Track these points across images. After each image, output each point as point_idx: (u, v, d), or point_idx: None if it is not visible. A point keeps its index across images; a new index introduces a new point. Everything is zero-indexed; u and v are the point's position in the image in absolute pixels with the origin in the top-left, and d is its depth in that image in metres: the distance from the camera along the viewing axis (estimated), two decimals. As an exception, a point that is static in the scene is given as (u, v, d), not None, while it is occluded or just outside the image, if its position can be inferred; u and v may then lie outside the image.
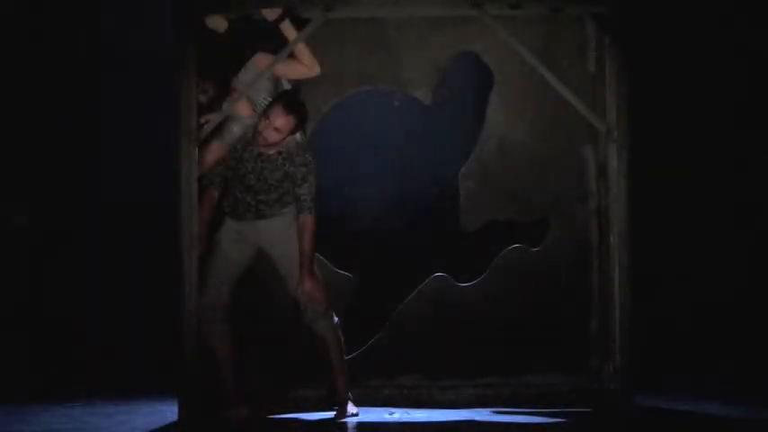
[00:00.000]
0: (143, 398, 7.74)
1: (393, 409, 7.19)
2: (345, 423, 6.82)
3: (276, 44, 6.88)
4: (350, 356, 7.30)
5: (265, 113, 6.83)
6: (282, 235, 6.98)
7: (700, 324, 8.36)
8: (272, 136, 6.81)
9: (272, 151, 6.93)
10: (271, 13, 6.85)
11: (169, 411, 6.98)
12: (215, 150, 6.96)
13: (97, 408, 7.38)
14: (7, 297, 8.68)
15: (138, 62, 8.81)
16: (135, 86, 8.80)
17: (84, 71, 8.84)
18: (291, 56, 6.97)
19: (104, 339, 8.71)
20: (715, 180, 8.48)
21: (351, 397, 7.08)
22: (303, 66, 6.98)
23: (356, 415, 6.97)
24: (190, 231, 6.68)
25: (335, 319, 7.00)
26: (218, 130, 6.94)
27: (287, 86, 7.13)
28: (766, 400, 7.34)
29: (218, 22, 6.93)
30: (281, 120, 6.78)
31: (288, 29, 6.88)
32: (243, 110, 6.97)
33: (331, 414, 7.03)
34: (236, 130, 6.97)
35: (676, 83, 8.46)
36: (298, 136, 7.00)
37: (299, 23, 6.92)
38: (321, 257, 7.32)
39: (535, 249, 7.51)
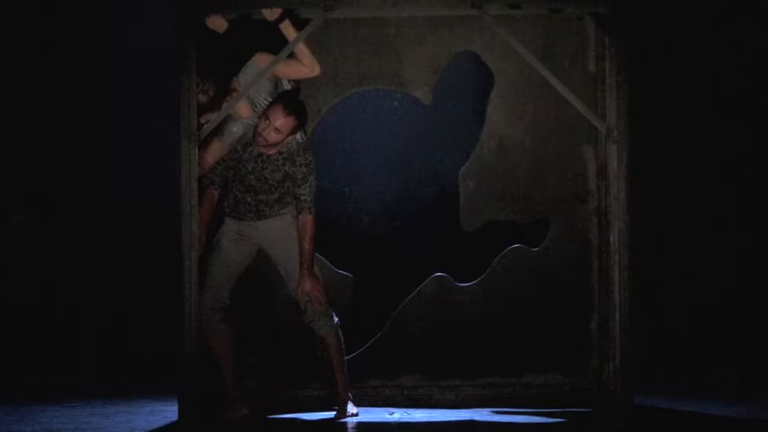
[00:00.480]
0: (143, 398, 7.74)
1: (393, 409, 7.19)
2: (345, 423, 6.82)
3: (276, 44, 6.88)
4: (350, 356, 7.30)
5: (265, 114, 6.84)
6: (282, 235, 6.98)
7: (700, 324, 8.36)
8: (273, 136, 6.82)
9: (272, 151, 6.93)
10: (271, 14, 6.85)
11: (169, 411, 6.99)
12: (215, 150, 6.95)
13: (97, 408, 7.38)
14: (7, 297, 8.69)
15: (138, 62, 8.81)
16: (135, 86, 8.80)
17: (84, 71, 8.84)
18: (292, 56, 6.96)
19: (104, 339, 8.71)
20: (715, 180, 8.48)
21: (351, 397, 7.08)
22: (303, 66, 6.97)
23: (356, 415, 6.97)
24: (190, 231, 6.68)
25: (335, 319, 7.00)
26: (218, 130, 6.94)
27: (287, 86, 7.13)
28: (766, 400, 7.34)
29: (218, 23, 6.93)
30: (281, 120, 6.79)
31: (288, 29, 6.87)
32: (243, 110, 6.97)
33: (331, 414, 7.03)
34: (235, 130, 6.97)
35: (676, 83, 8.46)
36: (298, 136, 7.00)
37: (299, 24, 6.92)
38: (321, 257, 7.32)
39: (535, 249, 7.51)
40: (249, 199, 6.97)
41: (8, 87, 8.77)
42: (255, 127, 6.89)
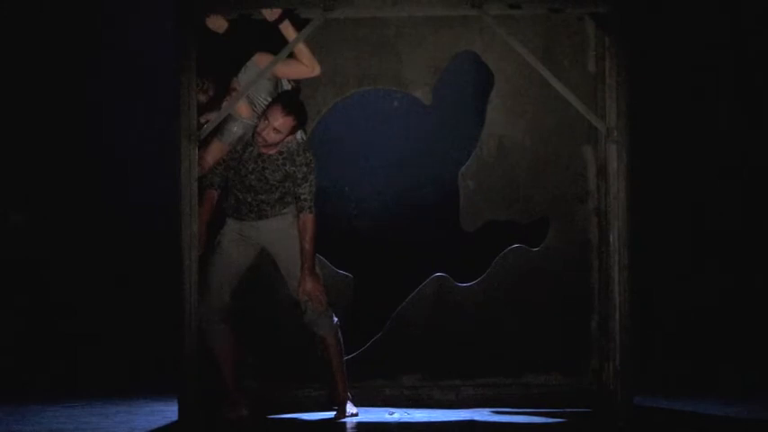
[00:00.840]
0: (143, 398, 7.74)
1: (393, 409, 7.19)
2: (345, 423, 6.82)
3: (276, 44, 6.87)
4: (350, 356, 7.30)
5: (265, 114, 6.84)
6: (283, 234, 6.99)
7: (700, 324, 8.36)
8: (272, 136, 6.83)
9: (272, 151, 6.93)
10: (270, 14, 6.84)
11: (169, 411, 6.98)
12: (215, 150, 6.96)
13: (97, 408, 7.38)
14: (7, 297, 8.68)
15: (138, 62, 8.81)
16: (134, 86, 8.80)
17: (84, 71, 8.84)
18: (292, 56, 6.96)
19: (105, 339, 8.71)
20: (715, 180, 8.48)
21: (350, 397, 7.08)
22: (303, 66, 6.97)
23: (356, 415, 6.97)
24: (190, 231, 6.67)
25: (335, 319, 7.00)
26: (218, 129, 6.94)
27: (287, 86, 7.13)
28: (766, 400, 7.34)
29: (217, 23, 6.92)
30: (279, 120, 6.80)
31: (287, 29, 6.87)
32: (243, 110, 6.97)
33: (331, 414, 7.03)
34: (235, 130, 6.97)
35: (676, 83, 8.46)
36: (299, 135, 7.00)
37: (299, 24, 6.92)
38: (321, 257, 7.31)
39: (535, 249, 7.51)
40: (250, 199, 6.97)
41: (8, 87, 8.77)
42: (255, 127, 6.89)
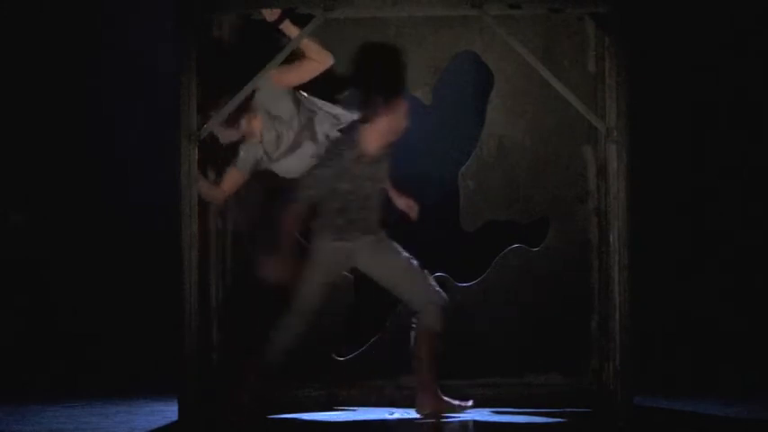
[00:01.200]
0: (143, 398, 7.74)
1: (393, 409, 7.19)
2: (344, 423, 6.82)
3: (277, 46, 6.86)
4: (350, 356, 7.30)
5: (389, 115, 6.83)
6: (375, 254, 7.03)
7: (700, 324, 8.36)
8: (402, 124, 6.90)
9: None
10: (270, 14, 6.83)
11: (169, 411, 6.98)
12: (232, 178, 7.00)
13: (97, 408, 7.38)
14: (7, 297, 8.69)
15: (138, 62, 8.81)
16: (134, 86, 8.80)
17: (84, 71, 8.84)
18: (300, 57, 6.93)
19: (105, 339, 8.71)
20: (715, 180, 8.48)
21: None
22: (314, 62, 6.93)
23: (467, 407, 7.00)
24: (190, 231, 6.67)
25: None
26: (234, 160, 6.99)
27: (303, 97, 7.12)
28: (766, 400, 7.34)
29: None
30: (402, 109, 6.87)
31: (289, 28, 6.85)
32: (258, 134, 6.97)
33: (332, 414, 7.04)
34: (243, 155, 6.99)
35: (676, 83, 8.46)
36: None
37: (299, 23, 6.91)
38: (321, 257, 7.30)
39: (535, 249, 7.51)
40: (364, 213, 6.97)
41: (8, 87, 8.77)
42: (357, 136, 6.86)
